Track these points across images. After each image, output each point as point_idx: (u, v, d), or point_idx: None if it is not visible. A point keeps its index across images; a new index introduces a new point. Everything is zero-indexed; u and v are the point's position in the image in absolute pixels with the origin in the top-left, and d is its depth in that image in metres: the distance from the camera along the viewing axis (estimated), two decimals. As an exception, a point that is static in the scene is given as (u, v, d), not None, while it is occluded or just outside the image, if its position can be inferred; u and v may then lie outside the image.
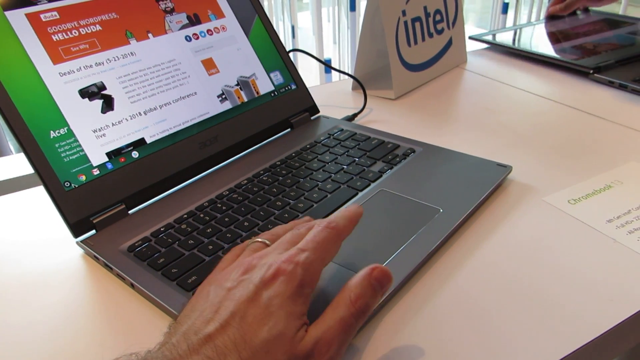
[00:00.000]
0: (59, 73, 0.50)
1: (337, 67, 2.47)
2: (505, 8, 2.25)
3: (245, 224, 0.48)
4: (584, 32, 0.92)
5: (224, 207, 0.51)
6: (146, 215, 0.51)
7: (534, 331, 0.37)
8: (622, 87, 0.75)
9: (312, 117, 0.69)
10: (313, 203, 0.51)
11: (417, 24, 0.78)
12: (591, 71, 0.80)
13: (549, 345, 0.36)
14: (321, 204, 0.51)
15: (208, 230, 0.48)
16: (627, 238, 0.46)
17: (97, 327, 0.40)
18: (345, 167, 0.57)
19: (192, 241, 0.46)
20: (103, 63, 0.53)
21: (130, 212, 0.51)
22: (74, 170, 0.49)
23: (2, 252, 0.49)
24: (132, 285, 0.43)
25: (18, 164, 0.66)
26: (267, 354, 0.29)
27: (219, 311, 0.31)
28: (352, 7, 2.24)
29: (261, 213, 0.50)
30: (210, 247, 0.46)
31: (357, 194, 0.52)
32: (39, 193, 0.58)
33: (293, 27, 2.36)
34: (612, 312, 0.38)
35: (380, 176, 0.55)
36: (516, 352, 0.35)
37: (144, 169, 0.53)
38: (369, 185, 0.53)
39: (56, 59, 0.50)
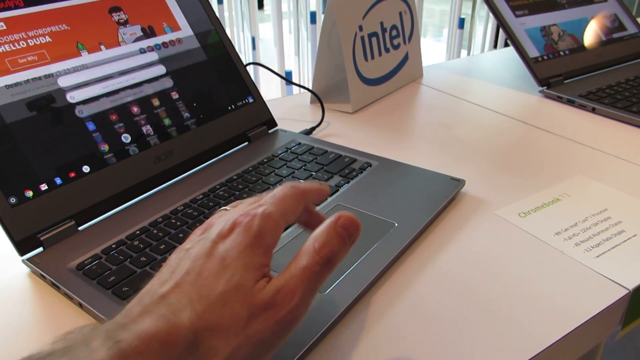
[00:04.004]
0: (5, 85, 0.49)
1: (298, 79, 2.48)
2: (461, 23, 2.30)
3: (200, 239, 0.47)
4: (552, 3, 0.91)
5: (178, 223, 0.50)
6: (97, 232, 0.50)
7: (486, 341, 0.38)
8: (569, 102, 0.78)
9: (269, 131, 0.69)
10: (269, 218, 0.50)
11: (374, 39, 0.79)
12: (540, 88, 0.82)
13: (500, 356, 0.37)
14: (277, 219, 0.50)
15: (161, 247, 0.47)
16: (574, 250, 0.47)
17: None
18: (302, 181, 0.57)
19: (144, 258, 0.45)
20: (52, 75, 0.52)
21: (80, 228, 0.50)
22: (19, 186, 0.47)
23: (-58, 271, 0.47)
24: (80, 305, 0.42)
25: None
26: (225, 306, 0.28)
27: (175, 271, 0.30)
28: (313, 19, 2.25)
29: (216, 228, 0.49)
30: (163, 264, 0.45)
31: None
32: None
33: (254, 39, 2.36)
34: (559, 325, 0.39)
35: (337, 190, 0.55)
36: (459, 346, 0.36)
37: (95, 183, 0.52)
38: (325, 199, 0.54)
39: (2, 71, 0.49)
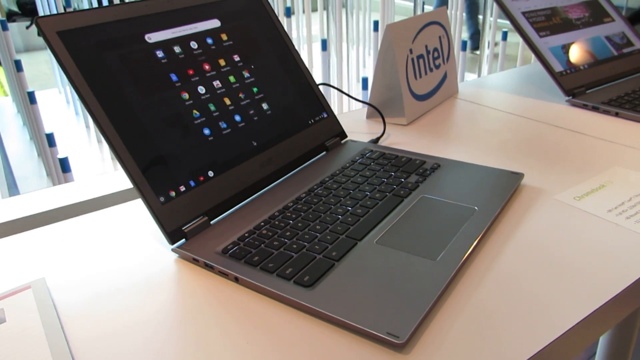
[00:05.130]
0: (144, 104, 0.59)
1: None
2: (464, 46, 2.45)
3: (317, 227, 0.57)
4: (569, 24, 1.02)
5: (293, 215, 0.60)
6: (226, 225, 0.59)
7: (562, 294, 0.48)
8: (594, 109, 0.89)
9: (342, 141, 0.79)
10: (369, 209, 0.60)
11: (421, 60, 0.90)
12: (567, 97, 0.93)
13: (574, 302, 0.46)
14: (375, 210, 0.60)
15: (287, 234, 0.56)
16: (626, 222, 0.57)
17: (213, 316, 0.48)
18: (385, 180, 0.67)
19: (276, 242, 0.55)
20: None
21: (211, 222, 0.59)
22: (165, 187, 0.57)
23: (104, 259, 0.56)
24: (237, 279, 0.51)
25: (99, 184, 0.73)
26: None
27: None
28: (324, 46, 2.38)
29: (327, 218, 0.59)
30: (295, 246, 0.54)
31: (402, 200, 0.62)
32: (118, 210, 0.65)
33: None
34: (622, 277, 0.49)
35: (418, 186, 0.65)
36: (548, 308, 0.46)
37: (219, 185, 0.61)
38: (410, 193, 0.64)
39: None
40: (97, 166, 2.56)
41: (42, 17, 0.55)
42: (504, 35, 2.52)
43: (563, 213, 0.60)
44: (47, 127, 2.17)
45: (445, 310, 0.47)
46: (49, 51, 3.31)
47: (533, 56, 1.08)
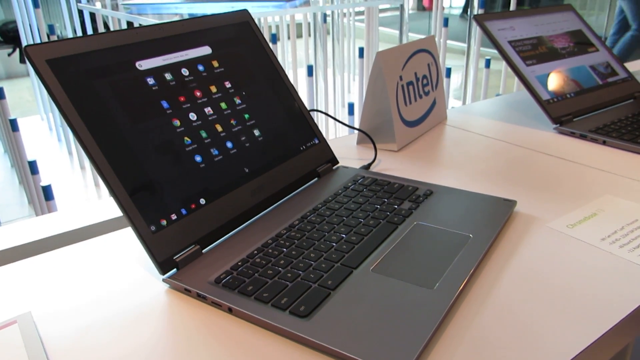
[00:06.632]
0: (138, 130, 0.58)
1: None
2: (448, 72, 2.49)
3: (312, 255, 0.56)
4: (555, 53, 1.05)
5: (287, 243, 0.59)
6: (218, 254, 0.58)
7: (559, 324, 0.47)
8: (582, 137, 0.90)
9: (333, 167, 0.79)
10: (363, 236, 0.60)
11: (411, 87, 0.90)
12: (554, 125, 0.94)
13: (573, 332, 0.46)
14: (370, 237, 0.59)
15: (281, 262, 0.55)
16: (619, 251, 0.57)
17: (206, 348, 0.46)
18: (378, 206, 0.66)
19: (270, 271, 0.54)
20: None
21: (203, 251, 0.58)
22: (156, 215, 0.56)
23: (92, 291, 0.54)
24: (230, 310, 0.50)
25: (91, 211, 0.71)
26: None
27: None
28: (310, 72, 2.40)
29: (322, 246, 0.58)
30: (289, 275, 0.53)
31: (397, 227, 0.61)
32: (105, 240, 0.64)
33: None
34: (625, 301, 0.49)
35: (411, 213, 0.65)
36: (547, 339, 0.45)
37: (211, 213, 0.60)
38: (404, 220, 0.63)
39: (136, 120, 0.58)
40: (80, 193, 2.52)
41: (31, 45, 0.54)
42: (487, 63, 2.57)
43: (557, 241, 0.60)
44: (30, 154, 2.14)
45: (445, 340, 0.46)
46: (30, 78, 3.29)
47: (516, 84, 1.09)
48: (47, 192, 1.59)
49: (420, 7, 7.12)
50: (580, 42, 1.10)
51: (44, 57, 0.55)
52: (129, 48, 0.62)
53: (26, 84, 4.62)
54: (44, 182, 1.63)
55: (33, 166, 1.86)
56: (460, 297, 0.51)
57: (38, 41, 2.27)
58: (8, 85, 4.67)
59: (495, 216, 0.63)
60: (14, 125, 1.99)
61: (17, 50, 4.81)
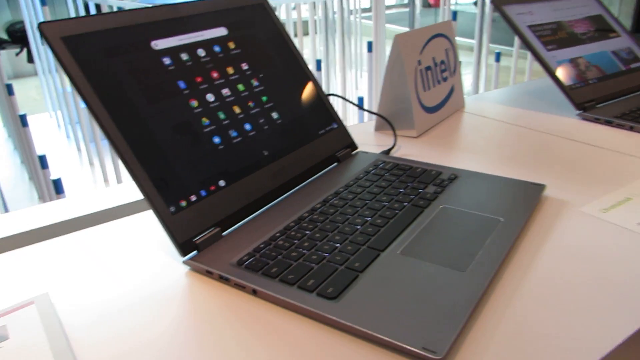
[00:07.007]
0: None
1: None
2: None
3: (336, 237, 0.54)
4: (575, 38, 1.02)
5: (310, 226, 0.57)
6: (239, 236, 0.56)
7: (605, 305, 0.45)
8: (607, 123, 0.88)
9: (352, 153, 0.77)
10: (388, 219, 0.57)
11: (429, 72, 0.88)
12: (577, 111, 0.92)
13: (619, 317, 0.43)
14: (395, 220, 0.57)
15: (305, 244, 0.53)
16: (658, 233, 0.55)
17: (231, 331, 0.44)
18: (402, 190, 0.64)
19: (294, 253, 0.52)
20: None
21: (223, 234, 0.56)
22: (176, 196, 0.54)
23: (111, 273, 0.52)
24: (255, 292, 0.48)
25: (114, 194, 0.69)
26: None
27: None
28: (318, 67, 2.38)
29: (346, 228, 0.56)
30: (314, 257, 0.51)
31: (422, 211, 0.59)
32: (124, 223, 0.62)
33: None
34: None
35: (437, 196, 0.62)
36: (587, 326, 0.43)
37: (231, 195, 0.58)
38: (430, 204, 0.61)
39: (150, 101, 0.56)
40: (89, 190, 2.51)
41: (45, 22, 0.53)
42: (497, 57, 2.54)
43: (591, 225, 0.58)
44: (39, 150, 2.13)
45: (481, 324, 0.43)
46: (38, 77, 3.28)
47: (526, 80, 1.07)
48: (57, 185, 1.57)
49: (426, 4, 7.09)
50: (601, 28, 1.07)
51: (59, 35, 0.53)
52: (145, 27, 0.60)
53: (34, 83, 4.62)
54: (53, 176, 1.62)
55: (43, 160, 1.85)
56: (494, 280, 0.49)
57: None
58: (16, 84, 4.66)
59: (525, 200, 0.61)
60: (23, 120, 1.98)
61: (25, 49, 4.81)
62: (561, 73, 0.94)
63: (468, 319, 0.43)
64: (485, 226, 0.55)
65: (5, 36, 4.82)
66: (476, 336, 0.42)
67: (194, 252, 0.53)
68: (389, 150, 0.78)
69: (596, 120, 0.89)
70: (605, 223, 0.58)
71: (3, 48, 4.85)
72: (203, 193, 0.56)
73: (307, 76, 0.75)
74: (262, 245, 0.53)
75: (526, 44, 0.95)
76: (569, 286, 0.48)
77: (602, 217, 0.59)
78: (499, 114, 0.97)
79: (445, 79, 0.93)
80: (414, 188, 0.64)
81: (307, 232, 0.55)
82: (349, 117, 3.07)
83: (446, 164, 0.73)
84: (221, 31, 0.68)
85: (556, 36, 1.00)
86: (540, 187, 0.64)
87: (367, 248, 0.52)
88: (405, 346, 0.40)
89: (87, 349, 0.42)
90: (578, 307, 0.45)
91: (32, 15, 2.95)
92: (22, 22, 3.81)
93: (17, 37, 4.85)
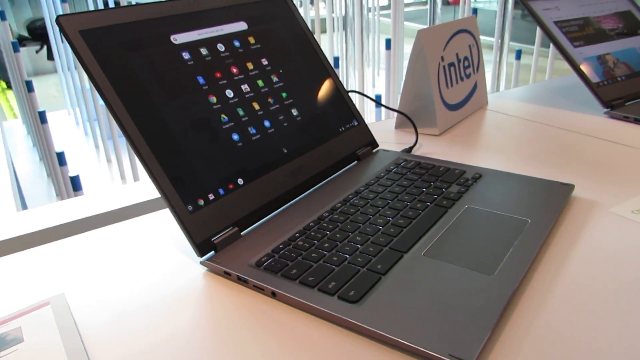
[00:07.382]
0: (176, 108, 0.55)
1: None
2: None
3: (357, 238, 0.52)
4: (603, 35, 0.99)
5: (330, 226, 0.55)
6: (257, 236, 0.54)
7: (637, 313, 0.43)
8: (636, 121, 0.85)
9: (373, 151, 0.75)
10: (411, 219, 0.56)
11: (452, 68, 0.86)
12: (605, 109, 0.89)
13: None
14: (418, 220, 0.55)
15: (325, 245, 0.52)
16: (696, 237, 0.52)
17: (250, 334, 0.43)
18: (424, 190, 0.62)
19: (314, 254, 0.50)
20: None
21: (241, 234, 0.55)
22: (194, 195, 0.53)
23: (127, 273, 0.52)
24: (274, 294, 0.46)
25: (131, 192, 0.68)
26: None
27: None
28: (337, 64, 2.36)
29: (368, 229, 0.54)
30: (335, 258, 0.49)
31: (446, 211, 0.57)
32: (140, 222, 0.61)
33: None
34: None
35: (461, 196, 0.60)
36: (622, 332, 0.41)
37: (249, 194, 0.57)
38: (454, 203, 0.59)
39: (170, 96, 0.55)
40: (107, 187, 2.52)
41: (63, 15, 0.52)
42: (518, 55, 2.50)
43: (623, 227, 0.55)
44: (57, 146, 2.14)
45: (510, 330, 0.42)
46: (57, 74, 3.31)
47: (547, 74, 1.04)
48: (75, 182, 1.58)
49: (445, 2, 7.02)
50: (630, 24, 1.04)
51: (77, 28, 0.52)
52: (164, 21, 0.59)
53: (54, 80, 4.67)
54: (71, 173, 1.63)
55: (61, 157, 1.86)
56: (523, 284, 0.47)
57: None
58: (36, 81, 4.71)
59: (553, 200, 0.59)
60: (42, 117, 1.99)
61: (45, 47, 4.86)
62: (588, 70, 0.92)
63: (496, 325, 0.41)
64: (512, 227, 0.53)
65: (25, 33, 4.88)
66: (505, 342, 0.40)
67: (212, 253, 0.52)
68: (411, 148, 0.76)
69: (625, 119, 0.86)
70: (637, 224, 0.55)
71: (23, 45, 4.91)
72: (221, 191, 0.55)
73: (327, 72, 0.74)
74: (281, 246, 0.52)
75: (552, 40, 0.92)
76: (600, 290, 0.45)
77: (633, 219, 0.57)
78: (523, 111, 0.94)
79: (468, 76, 0.91)
80: (437, 187, 0.63)
81: (328, 232, 0.54)
82: (367, 115, 3.05)
83: (470, 163, 0.71)
84: (241, 25, 0.67)
85: (583, 32, 0.97)
86: (569, 187, 0.62)
87: (389, 249, 0.51)
88: (431, 353, 0.38)
89: (102, 349, 0.41)
90: (610, 311, 0.43)
91: (52, 12, 2.97)
92: (42, 19, 3.85)
93: (37, 34, 4.91)
